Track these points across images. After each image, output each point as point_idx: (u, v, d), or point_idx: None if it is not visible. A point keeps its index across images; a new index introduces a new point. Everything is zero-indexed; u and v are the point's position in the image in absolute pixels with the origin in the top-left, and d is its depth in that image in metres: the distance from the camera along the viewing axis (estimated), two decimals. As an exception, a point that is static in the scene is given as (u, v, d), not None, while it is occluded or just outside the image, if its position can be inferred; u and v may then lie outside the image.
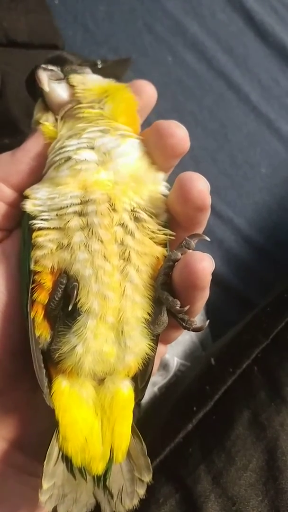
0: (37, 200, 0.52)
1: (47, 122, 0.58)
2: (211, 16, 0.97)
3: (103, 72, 0.87)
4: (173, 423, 0.72)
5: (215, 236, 0.94)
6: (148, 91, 0.59)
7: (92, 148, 0.54)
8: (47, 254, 0.51)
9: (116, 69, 0.90)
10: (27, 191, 0.54)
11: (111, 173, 0.53)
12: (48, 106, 0.58)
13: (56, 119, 0.57)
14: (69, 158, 0.53)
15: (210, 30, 0.97)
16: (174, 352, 0.86)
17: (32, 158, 0.56)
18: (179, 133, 0.52)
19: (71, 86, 0.58)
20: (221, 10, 0.97)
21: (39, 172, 0.56)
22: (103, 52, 0.96)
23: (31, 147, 0.57)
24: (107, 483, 0.52)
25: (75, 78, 0.59)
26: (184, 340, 0.88)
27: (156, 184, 0.55)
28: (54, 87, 0.58)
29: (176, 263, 0.51)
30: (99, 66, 0.88)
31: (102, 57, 0.94)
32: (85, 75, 0.60)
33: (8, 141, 0.78)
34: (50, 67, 0.59)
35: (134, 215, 0.52)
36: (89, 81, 0.60)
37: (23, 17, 0.85)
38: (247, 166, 0.97)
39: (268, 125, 0.97)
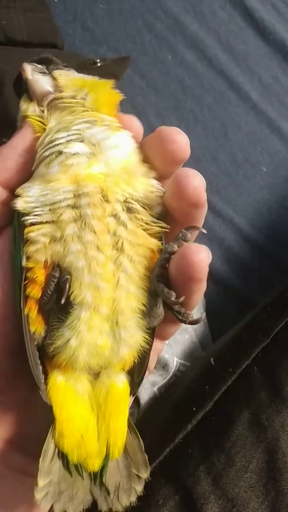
0: (29, 197, 0.52)
1: (33, 113, 0.57)
2: (211, 14, 0.97)
3: (103, 70, 0.87)
4: (172, 423, 0.71)
5: (216, 235, 0.93)
6: (135, 127, 0.58)
7: (82, 140, 0.53)
8: (40, 249, 0.50)
9: (115, 68, 0.90)
10: (19, 190, 0.53)
11: (102, 165, 0.52)
12: (32, 97, 0.58)
13: (42, 111, 0.57)
14: (60, 153, 0.53)
15: (210, 28, 0.97)
16: (174, 352, 0.86)
17: (20, 154, 0.56)
18: (180, 140, 0.52)
19: (54, 79, 0.58)
20: (221, 8, 0.97)
21: (27, 169, 0.55)
22: (103, 50, 0.96)
23: (17, 144, 0.56)
24: (103, 479, 0.52)
25: (58, 72, 0.59)
26: (183, 340, 0.88)
27: (148, 178, 0.54)
28: (37, 77, 0.58)
29: (172, 256, 0.50)
30: (98, 65, 0.88)
31: (102, 55, 0.94)
32: (69, 71, 0.61)
33: (7, 140, 0.78)
34: (36, 64, 0.60)
35: (127, 206, 0.52)
36: (72, 75, 0.60)
37: (22, 15, 0.85)
38: (247, 164, 0.97)
39: (268, 124, 0.97)
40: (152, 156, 0.54)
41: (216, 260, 0.93)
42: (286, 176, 0.97)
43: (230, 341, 0.77)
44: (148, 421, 0.77)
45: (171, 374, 0.85)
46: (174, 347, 0.86)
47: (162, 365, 0.84)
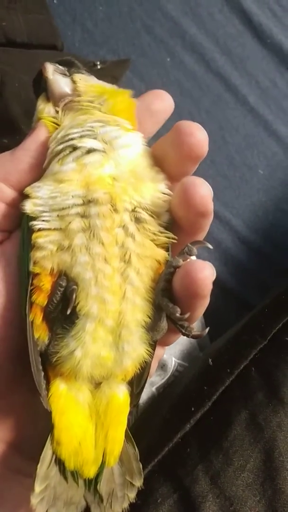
0: (38, 199, 0.51)
1: (48, 114, 0.57)
2: (210, 17, 0.97)
3: (102, 73, 0.87)
4: (171, 423, 0.72)
5: (213, 237, 0.94)
6: (165, 100, 0.58)
7: (95, 137, 0.53)
8: (47, 256, 0.50)
9: (115, 70, 0.90)
10: (28, 190, 0.52)
11: (112, 164, 0.52)
12: (50, 97, 0.58)
13: (57, 111, 0.57)
14: (74, 149, 0.52)
15: (208, 31, 0.97)
16: (172, 352, 0.87)
17: (32, 156, 0.55)
18: (199, 134, 0.50)
19: (74, 82, 0.58)
20: (219, 11, 0.98)
21: (39, 171, 0.55)
22: (102, 52, 0.96)
23: (30, 146, 0.56)
24: (98, 486, 0.52)
25: (78, 76, 0.59)
26: (182, 340, 0.88)
27: (156, 182, 0.53)
28: (57, 77, 0.58)
29: (177, 270, 0.50)
30: (98, 67, 0.88)
31: (101, 57, 0.94)
32: (89, 76, 0.60)
33: (7, 141, 0.78)
34: (57, 65, 0.59)
35: (135, 215, 0.51)
36: (92, 81, 0.60)
37: (22, 17, 0.85)
38: (244, 167, 0.97)
39: (265, 127, 0.98)
40: (168, 151, 0.53)
41: (213, 262, 0.92)
42: (282, 179, 0.98)
43: (228, 342, 0.77)
44: (146, 421, 0.77)
45: (169, 374, 0.85)
46: (173, 347, 0.86)
47: (161, 365, 0.84)
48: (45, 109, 0.57)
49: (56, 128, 0.56)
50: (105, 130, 0.54)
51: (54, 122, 0.56)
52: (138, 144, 0.55)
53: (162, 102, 0.57)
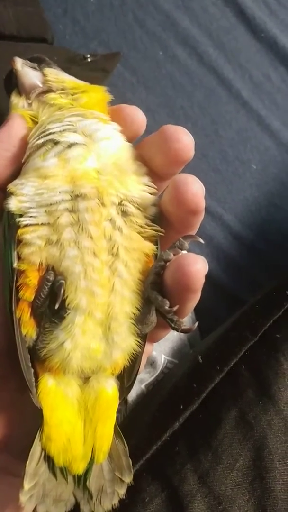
0: (23, 196, 0.51)
1: (22, 108, 0.58)
2: (203, 11, 0.97)
3: (93, 66, 0.86)
4: (160, 421, 0.71)
5: (205, 232, 0.93)
6: (138, 117, 0.57)
7: (75, 131, 0.53)
8: (35, 251, 0.50)
9: (105, 63, 0.89)
10: (11, 188, 0.52)
11: (94, 158, 0.52)
12: (21, 91, 0.58)
13: (30, 104, 0.58)
14: (56, 143, 0.52)
15: (201, 24, 0.96)
16: (162, 349, 0.86)
17: (6, 149, 0.55)
18: (185, 139, 0.51)
19: (44, 76, 0.59)
20: (212, 4, 0.97)
21: (15, 163, 0.55)
22: (93, 46, 0.95)
23: (3, 137, 0.56)
24: (87, 483, 0.52)
25: (49, 70, 0.60)
26: (172, 337, 0.87)
27: (139, 175, 0.54)
28: (27, 70, 0.58)
29: (168, 264, 0.50)
30: (89, 60, 0.87)
31: (92, 50, 0.93)
32: (60, 71, 0.61)
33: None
34: (28, 61, 0.60)
35: (122, 209, 0.51)
36: (62, 75, 0.60)
37: (11, 9, 0.84)
38: (237, 162, 0.97)
39: (258, 121, 0.97)
40: (154, 155, 0.53)
41: (204, 258, 0.92)
42: (275, 174, 0.97)
43: (218, 339, 0.76)
44: (135, 418, 0.76)
45: (158, 372, 0.85)
46: (162, 344, 0.86)
47: (150, 362, 0.84)
48: (19, 104, 0.58)
49: (33, 120, 0.56)
50: (84, 124, 0.54)
51: (30, 116, 0.57)
52: (117, 136, 0.55)
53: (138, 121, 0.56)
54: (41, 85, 0.58)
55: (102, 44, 0.95)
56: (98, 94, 0.59)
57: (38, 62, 0.60)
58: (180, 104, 0.96)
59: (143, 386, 0.83)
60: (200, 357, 0.74)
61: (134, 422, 0.74)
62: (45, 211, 0.50)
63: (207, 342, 0.80)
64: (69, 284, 0.49)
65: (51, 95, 0.57)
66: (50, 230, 0.50)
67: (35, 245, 0.50)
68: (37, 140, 0.53)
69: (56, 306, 0.49)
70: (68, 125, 0.53)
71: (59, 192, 0.50)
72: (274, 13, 0.98)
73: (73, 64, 0.84)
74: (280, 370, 0.69)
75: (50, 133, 0.53)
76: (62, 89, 0.58)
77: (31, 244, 0.50)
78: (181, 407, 0.70)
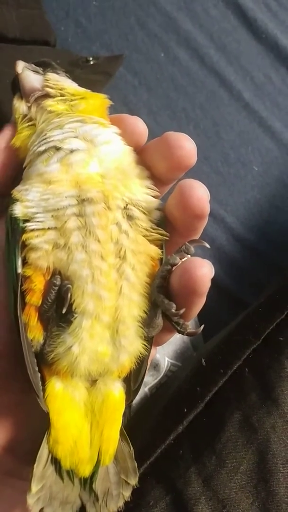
0: (29, 202, 0.52)
1: (22, 112, 0.59)
2: (204, 13, 0.97)
3: (95, 69, 0.86)
4: (163, 424, 0.71)
5: (207, 234, 0.93)
6: (139, 127, 0.57)
7: (76, 137, 0.54)
8: (42, 255, 0.50)
9: (108, 66, 0.89)
10: (16, 194, 0.53)
11: (96, 162, 0.52)
12: (22, 94, 0.59)
13: (29, 107, 0.58)
14: (58, 149, 0.53)
15: (203, 26, 0.96)
16: (165, 352, 0.86)
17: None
18: (188, 146, 0.51)
19: (46, 80, 0.60)
20: (214, 6, 0.97)
21: (7, 169, 0.56)
22: (95, 48, 0.95)
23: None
24: (93, 485, 0.52)
25: (51, 75, 0.60)
26: (175, 340, 0.87)
27: (142, 179, 0.54)
28: (27, 73, 0.59)
29: (174, 268, 0.50)
30: (91, 63, 0.87)
31: (94, 52, 0.93)
32: (63, 77, 0.62)
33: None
34: (32, 64, 0.61)
35: (127, 213, 0.52)
36: (64, 81, 0.61)
37: (14, 11, 0.84)
38: (239, 164, 0.97)
39: (260, 123, 0.97)
40: (157, 161, 0.54)
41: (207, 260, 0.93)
42: (277, 176, 0.97)
43: (221, 343, 0.76)
44: (139, 421, 0.76)
45: (162, 374, 0.85)
46: (166, 347, 0.86)
47: (153, 365, 0.84)
48: (20, 108, 0.59)
49: (30, 126, 0.57)
50: (85, 129, 0.54)
51: (28, 120, 0.58)
52: (117, 140, 0.55)
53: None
54: (40, 88, 0.58)
55: (104, 46, 0.95)
56: (97, 100, 0.59)
57: (44, 67, 0.61)
58: (182, 106, 0.96)
59: (146, 389, 0.83)
60: (203, 360, 0.74)
61: (138, 425, 0.74)
62: (52, 215, 0.51)
63: (210, 345, 0.80)
64: (76, 288, 0.49)
65: (49, 101, 0.58)
66: (57, 234, 0.50)
67: (42, 250, 0.50)
68: (38, 147, 0.54)
69: (64, 311, 0.49)
70: (69, 131, 0.54)
71: (66, 197, 0.51)
72: (275, 14, 0.98)
73: (75, 67, 0.84)
74: (283, 373, 0.69)
75: (51, 140, 0.54)
76: (61, 95, 0.58)
77: (38, 248, 0.50)
78: (185, 410, 0.70)
